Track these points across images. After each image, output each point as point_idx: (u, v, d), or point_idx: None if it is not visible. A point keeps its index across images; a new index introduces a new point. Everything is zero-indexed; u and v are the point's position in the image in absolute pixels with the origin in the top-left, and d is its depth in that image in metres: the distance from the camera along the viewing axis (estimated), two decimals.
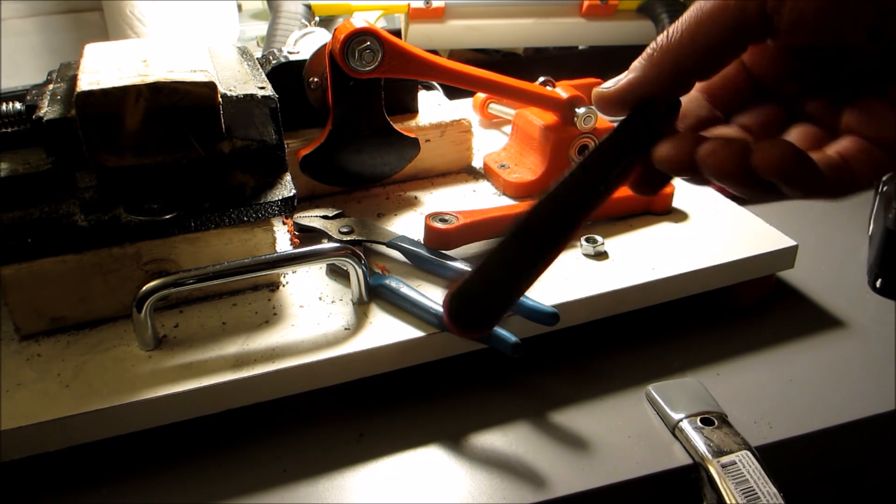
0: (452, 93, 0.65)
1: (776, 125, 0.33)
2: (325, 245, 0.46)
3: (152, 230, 0.44)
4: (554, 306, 0.45)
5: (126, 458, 0.42)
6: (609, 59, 1.01)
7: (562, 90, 0.59)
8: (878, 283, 0.56)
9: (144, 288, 0.42)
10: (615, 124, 0.32)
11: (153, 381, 0.41)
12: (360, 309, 0.47)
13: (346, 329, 0.45)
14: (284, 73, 0.55)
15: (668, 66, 0.30)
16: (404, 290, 0.46)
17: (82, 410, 0.40)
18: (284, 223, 0.55)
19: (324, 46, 0.55)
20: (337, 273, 0.50)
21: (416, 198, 0.60)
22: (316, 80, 0.56)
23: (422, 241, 0.52)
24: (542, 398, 0.46)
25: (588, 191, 0.31)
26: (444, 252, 0.50)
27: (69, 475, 0.42)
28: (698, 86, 0.33)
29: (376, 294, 0.48)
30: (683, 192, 0.59)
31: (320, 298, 0.48)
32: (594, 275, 0.50)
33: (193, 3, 0.89)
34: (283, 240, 0.52)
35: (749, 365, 0.49)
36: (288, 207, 0.47)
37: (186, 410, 0.42)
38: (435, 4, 0.86)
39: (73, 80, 0.45)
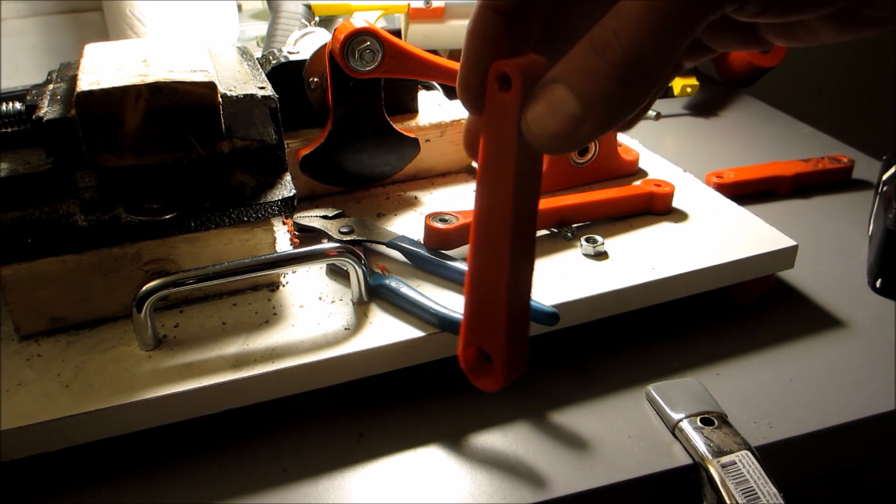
0: (452, 93, 0.65)
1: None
2: (325, 245, 0.46)
3: (152, 230, 0.44)
4: (554, 306, 0.45)
5: (126, 458, 0.42)
6: None
7: None
8: (878, 283, 0.56)
9: (144, 288, 0.42)
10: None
11: (153, 381, 0.41)
12: (360, 309, 0.47)
13: (346, 329, 0.45)
14: (284, 73, 0.55)
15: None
16: (404, 290, 0.46)
17: (82, 410, 0.40)
18: (284, 223, 0.55)
19: (324, 46, 0.55)
20: (337, 273, 0.50)
21: (416, 198, 0.60)
22: (316, 80, 0.56)
23: (422, 241, 0.52)
24: (542, 398, 0.46)
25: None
26: (444, 252, 0.50)
27: (69, 475, 0.42)
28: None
29: (376, 294, 0.48)
30: (683, 192, 0.59)
31: (320, 298, 0.48)
32: (594, 275, 0.50)
33: (193, 3, 0.89)
34: (283, 240, 0.52)
35: (749, 365, 0.49)
36: (288, 207, 0.47)
37: (186, 410, 0.42)
38: (435, 4, 0.85)
39: (73, 80, 0.45)
